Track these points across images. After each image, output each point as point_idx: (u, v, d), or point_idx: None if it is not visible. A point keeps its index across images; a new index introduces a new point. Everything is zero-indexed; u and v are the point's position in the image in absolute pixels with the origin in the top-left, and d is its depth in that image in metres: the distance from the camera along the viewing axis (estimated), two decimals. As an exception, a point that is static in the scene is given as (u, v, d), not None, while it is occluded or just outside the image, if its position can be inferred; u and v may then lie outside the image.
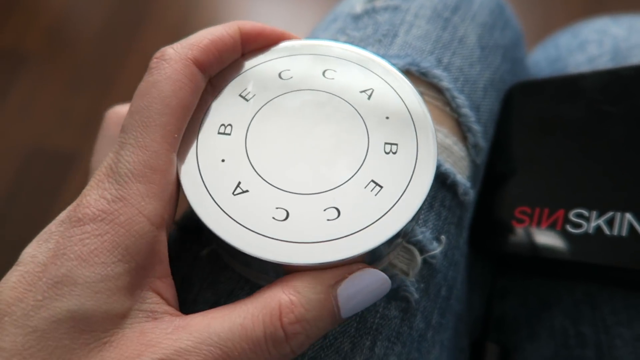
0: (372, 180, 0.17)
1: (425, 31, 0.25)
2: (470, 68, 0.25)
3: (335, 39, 0.26)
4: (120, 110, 0.22)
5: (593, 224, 0.20)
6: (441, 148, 0.22)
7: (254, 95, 0.20)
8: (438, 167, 0.22)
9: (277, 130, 0.19)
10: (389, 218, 0.17)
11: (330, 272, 0.16)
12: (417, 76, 0.23)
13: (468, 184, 0.22)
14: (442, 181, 0.22)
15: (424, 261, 0.21)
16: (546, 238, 0.21)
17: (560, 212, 0.21)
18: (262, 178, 0.18)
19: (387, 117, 0.19)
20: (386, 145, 0.18)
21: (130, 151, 0.16)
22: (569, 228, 0.20)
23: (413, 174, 0.18)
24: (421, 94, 0.23)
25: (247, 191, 0.17)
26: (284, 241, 0.16)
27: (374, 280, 0.17)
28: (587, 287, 0.22)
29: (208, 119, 0.19)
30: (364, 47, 0.25)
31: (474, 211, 0.24)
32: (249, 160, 0.18)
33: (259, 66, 0.20)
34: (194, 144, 0.18)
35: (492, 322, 0.26)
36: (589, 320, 0.21)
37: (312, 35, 0.29)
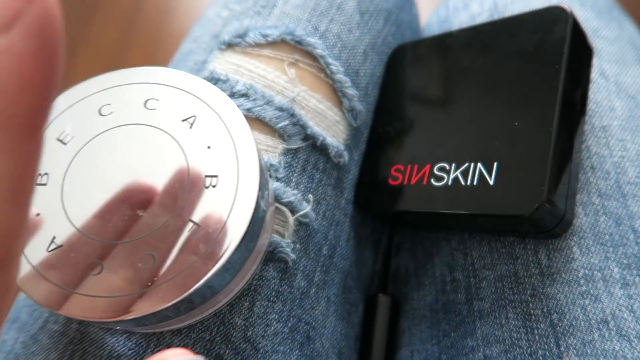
0: (190, 220, 0.17)
1: (303, 0, 0.25)
2: (349, 34, 0.26)
3: (218, 14, 0.27)
4: None
5: (452, 176, 0.21)
6: (314, 113, 0.23)
7: (73, 137, 0.19)
8: (305, 130, 0.22)
9: (96, 174, 0.18)
10: (204, 259, 0.16)
11: None
12: (293, 45, 0.24)
13: (341, 146, 0.23)
14: (312, 144, 0.23)
15: (299, 222, 0.22)
16: (414, 193, 0.22)
17: (427, 167, 0.22)
18: (77, 229, 0.17)
19: (209, 147, 0.18)
20: (206, 179, 0.17)
21: None
22: (433, 181, 0.21)
23: (232, 209, 0.17)
24: (296, 61, 0.24)
25: (61, 246, 0.17)
26: (101, 297, 0.16)
27: None
28: (461, 236, 0.23)
29: None
30: (242, 19, 0.25)
31: (358, 172, 0.25)
32: (65, 211, 0.17)
33: (78, 103, 0.19)
34: None
35: (389, 276, 0.27)
36: (461, 267, 0.23)
37: (202, 13, 0.29)
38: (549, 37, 0.20)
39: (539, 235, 0.21)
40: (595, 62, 0.25)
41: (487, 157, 0.20)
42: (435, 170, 0.21)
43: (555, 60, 0.20)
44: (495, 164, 0.20)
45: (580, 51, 0.21)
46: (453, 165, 0.21)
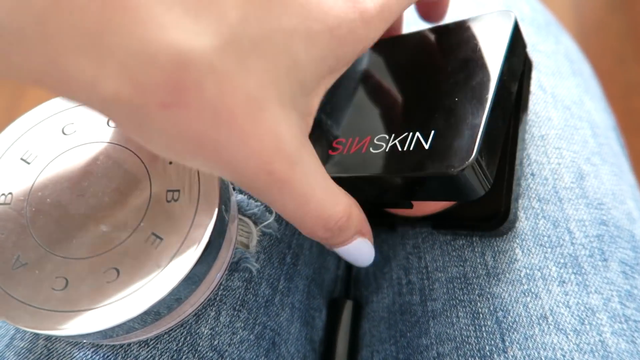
0: (153, 233, 0.18)
1: None
2: None
3: None
4: None
5: (390, 144, 0.21)
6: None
7: (36, 156, 0.19)
8: None
9: (60, 192, 0.18)
10: (168, 271, 0.17)
11: None
12: None
13: None
14: None
15: (263, 233, 0.23)
16: (352, 160, 0.22)
17: (367, 139, 0.22)
18: (42, 247, 0.17)
19: (171, 162, 0.19)
20: (168, 193, 0.18)
21: None
22: (372, 149, 0.22)
23: (193, 222, 0.18)
24: None
25: (26, 264, 0.17)
26: (64, 312, 0.16)
27: None
28: (415, 241, 0.25)
29: None
30: None
31: None
32: (30, 230, 0.18)
33: (42, 123, 0.20)
34: None
35: (351, 281, 0.29)
36: (416, 269, 0.24)
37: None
38: (493, 32, 0.22)
39: (485, 233, 0.22)
40: (534, 74, 0.27)
41: (425, 127, 0.21)
42: (375, 141, 0.22)
43: (496, 50, 0.21)
44: (432, 132, 0.20)
45: (518, 51, 0.23)
46: (392, 135, 0.22)
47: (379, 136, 0.22)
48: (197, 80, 0.12)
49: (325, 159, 0.23)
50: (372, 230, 0.21)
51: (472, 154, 0.18)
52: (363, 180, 0.21)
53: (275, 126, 0.14)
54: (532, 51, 0.27)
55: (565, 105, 0.26)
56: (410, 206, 0.23)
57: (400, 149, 0.21)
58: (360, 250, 0.20)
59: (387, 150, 0.21)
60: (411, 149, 0.20)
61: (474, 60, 0.22)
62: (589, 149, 0.25)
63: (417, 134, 0.21)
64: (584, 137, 0.25)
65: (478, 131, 0.19)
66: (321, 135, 0.24)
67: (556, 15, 0.35)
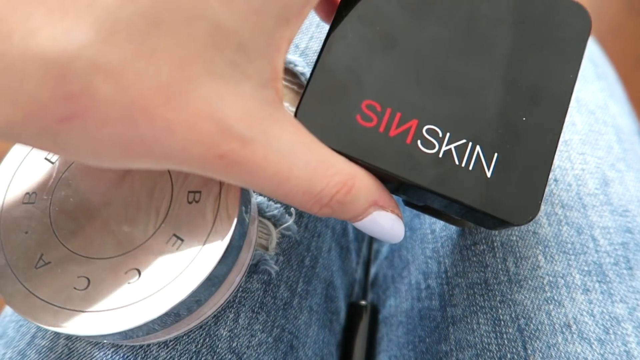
0: (174, 234, 0.18)
1: None
2: None
3: None
4: None
5: (444, 147, 0.17)
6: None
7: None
8: None
9: (82, 192, 0.19)
10: (189, 272, 0.17)
11: None
12: None
13: None
14: None
15: (282, 235, 0.23)
16: (394, 149, 0.17)
17: (413, 123, 0.18)
18: (65, 246, 0.18)
19: None
20: (189, 195, 0.18)
21: None
22: (420, 145, 0.17)
23: (214, 223, 0.18)
24: None
25: (49, 263, 0.17)
26: (85, 311, 0.17)
27: None
28: (435, 245, 0.25)
29: (12, 188, 0.19)
30: None
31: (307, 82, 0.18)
32: (53, 229, 0.18)
33: None
34: None
35: (368, 284, 0.29)
36: (435, 274, 0.24)
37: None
38: (569, 35, 0.19)
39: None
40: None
41: (488, 144, 0.18)
42: (424, 132, 0.17)
43: (572, 64, 0.19)
44: (495, 155, 0.17)
45: None
46: (447, 134, 0.18)
47: (428, 126, 0.18)
48: (84, 83, 0.11)
49: (348, 125, 0.17)
50: None
51: (537, 209, 0.17)
52: (402, 183, 0.17)
53: (212, 105, 0.12)
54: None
55: (589, 109, 0.25)
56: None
57: (457, 162, 0.17)
58: (380, 224, 0.17)
59: (440, 156, 0.17)
60: (470, 168, 0.17)
61: (548, 59, 0.18)
62: (614, 155, 0.24)
63: (478, 149, 0.18)
64: (609, 143, 0.25)
65: (545, 180, 0.17)
66: (345, 84, 0.18)
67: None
